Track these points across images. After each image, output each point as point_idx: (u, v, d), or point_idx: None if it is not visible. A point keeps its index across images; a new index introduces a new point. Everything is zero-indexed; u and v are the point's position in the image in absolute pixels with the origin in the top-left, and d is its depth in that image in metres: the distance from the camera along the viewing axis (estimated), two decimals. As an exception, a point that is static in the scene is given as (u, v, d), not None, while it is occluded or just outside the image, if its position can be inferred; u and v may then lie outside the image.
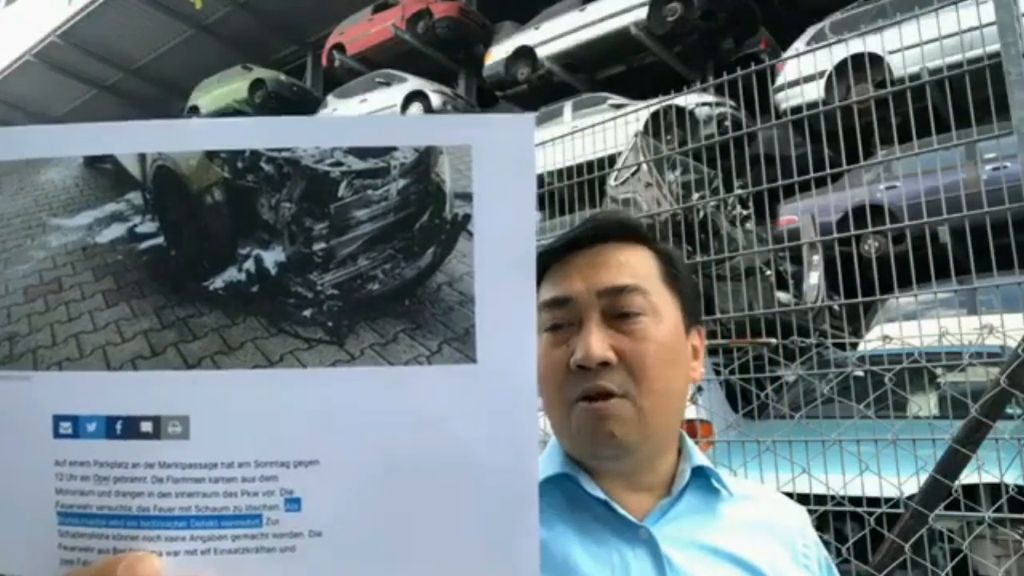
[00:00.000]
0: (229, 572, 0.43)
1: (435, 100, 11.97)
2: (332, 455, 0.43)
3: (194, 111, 15.75)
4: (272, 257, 0.45)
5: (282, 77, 15.08)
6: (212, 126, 0.45)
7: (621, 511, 0.73)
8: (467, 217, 0.45)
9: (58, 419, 0.43)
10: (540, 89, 11.17)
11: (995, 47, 2.29)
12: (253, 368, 0.43)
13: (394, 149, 0.45)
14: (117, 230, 0.45)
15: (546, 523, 0.73)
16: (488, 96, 12.79)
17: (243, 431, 0.43)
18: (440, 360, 0.44)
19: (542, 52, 10.92)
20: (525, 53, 11.16)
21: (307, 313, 0.44)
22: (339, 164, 0.45)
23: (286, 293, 0.44)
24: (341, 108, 13.11)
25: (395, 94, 12.33)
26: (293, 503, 0.43)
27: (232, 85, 14.93)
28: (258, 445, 0.43)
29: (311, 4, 14.05)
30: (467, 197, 0.44)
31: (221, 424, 0.43)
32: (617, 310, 0.73)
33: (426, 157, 0.45)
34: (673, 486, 0.76)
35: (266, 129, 0.45)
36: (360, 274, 0.45)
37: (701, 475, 0.78)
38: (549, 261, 0.78)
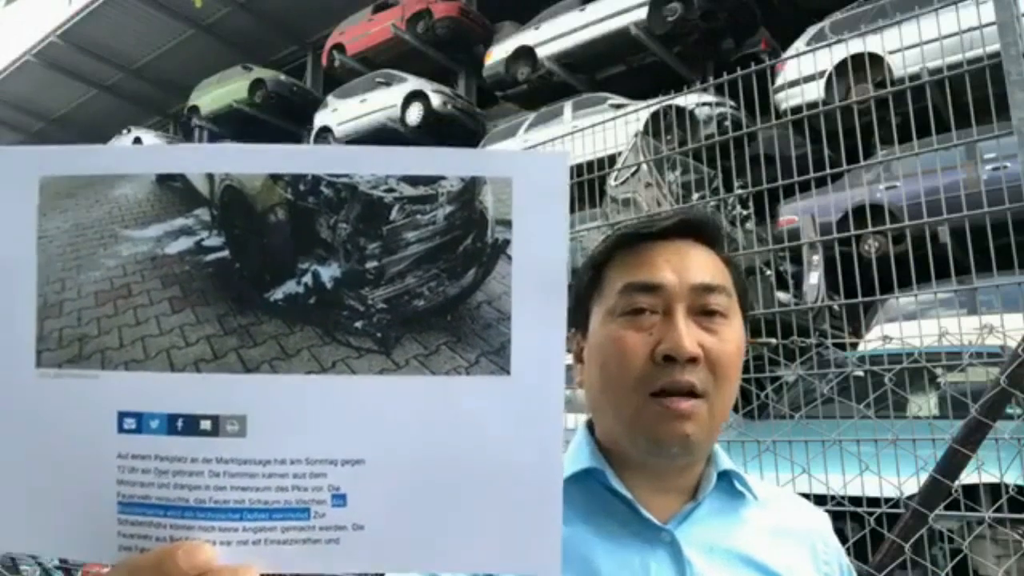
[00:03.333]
0: (277, 561, 0.46)
1: (435, 100, 11.96)
2: (377, 455, 0.47)
3: (194, 111, 15.74)
4: (328, 273, 0.48)
5: (282, 77, 15.07)
6: (277, 152, 0.48)
7: (645, 513, 0.72)
8: (506, 242, 0.48)
9: (123, 415, 0.46)
10: (540, 89, 11.17)
11: (995, 47, 2.29)
12: (307, 373, 0.47)
13: (442, 178, 0.49)
14: (185, 243, 0.48)
15: (567, 522, 0.73)
16: (488, 96, 12.79)
17: (296, 431, 0.46)
18: (478, 371, 0.47)
19: (542, 52, 10.92)
20: (525, 53, 11.15)
21: (358, 325, 0.48)
22: (392, 190, 0.48)
23: (340, 306, 0.48)
24: (341, 108, 13.11)
25: (395, 94, 12.32)
26: (339, 498, 0.47)
27: (232, 85, 14.92)
28: (309, 444, 0.46)
29: (311, 4, 14.05)
30: (507, 224, 0.48)
31: (276, 424, 0.46)
32: (705, 307, 0.73)
33: (471, 187, 0.49)
34: (699, 490, 0.76)
35: (327, 156, 0.49)
36: (407, 291, 0.49)
37: (725, 478, 0.77)
38: (624, 244, 0.77)
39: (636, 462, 0.75)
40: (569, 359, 0.72)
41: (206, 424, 0.46)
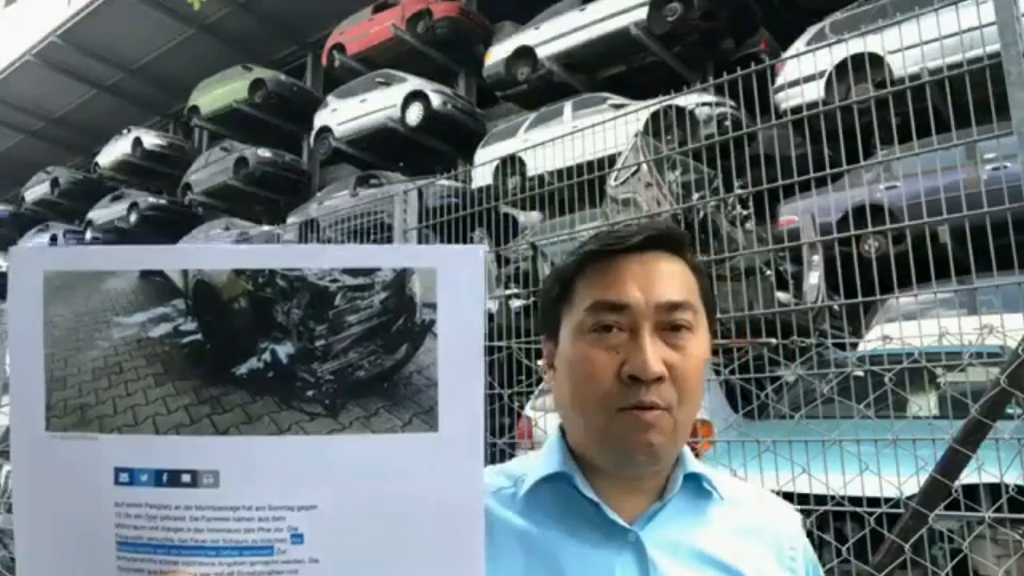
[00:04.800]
0: None
1: (435, 100, 11.96)
2: (328, 501, 0.55)
3: (194, 111, 15.74)
4: (284, 350, 0.57)
5: (282, 77, 15.07)
6: (239, 251, 0.58)
7: (611, 514, 0.74)
8: (432, 322, 0.57)
9: (118, 470, 0.55)
10: (540, 89, 11.17)
11: (995, 47, 2.29)
12: (269, 435, 0.55)
13: (378, 270, 0.57)
14: (165, 327, 0.57)
15: (538, 524, 0.75)
16: (488, 96, 12.78)
17: (260, 482, 0.55)
18: (411, 429, 0.56)
19: (542, 52, 10.92)
20: (525, 53, 11.15)
21: (310, 393, 0.56)
22: (336, 281, 0.57)
23: (294, 378, 0.56)
24: (341, 108, 13.10)
25: (395, 94, 12.33)
26: (297, 537, 0.55)
27: (232, 85, 14.93)
28: (271, 493, 0.55)
29: (311, 4, 14.05)
30: (433, 307, 0.57)
31: (243, 477, 0.55)
32: (670, 324, 0.74)
33: (402, 276, 0.57)
34: (666, 491, 0.77)
35: (281, 254, 0.58)
36: (350, 364, 0.57)
37: (693, 479, 0.78)
38: (593, 259, 0.78)
39: (621, 468, 0.76)
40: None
41: (186, 477, 0.55)
